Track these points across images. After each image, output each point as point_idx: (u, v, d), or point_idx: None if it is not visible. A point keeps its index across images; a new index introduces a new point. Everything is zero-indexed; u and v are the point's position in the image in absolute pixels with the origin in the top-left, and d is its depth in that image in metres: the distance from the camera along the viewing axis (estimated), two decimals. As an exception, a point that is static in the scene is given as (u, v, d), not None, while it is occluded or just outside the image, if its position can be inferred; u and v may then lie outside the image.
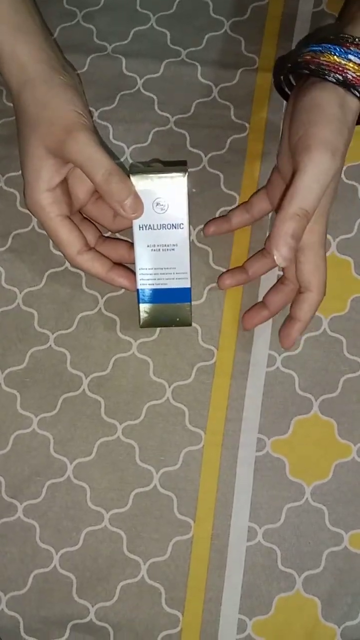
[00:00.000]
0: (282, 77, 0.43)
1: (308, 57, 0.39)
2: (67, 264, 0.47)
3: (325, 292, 0.41)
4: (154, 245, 0.41)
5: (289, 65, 0.41)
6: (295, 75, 0.43)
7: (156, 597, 0.42)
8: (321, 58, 0.38)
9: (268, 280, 0.46)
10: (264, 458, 0.44)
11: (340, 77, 0.38)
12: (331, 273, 0.46)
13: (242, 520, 0.43)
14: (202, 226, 0.47)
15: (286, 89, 0.44)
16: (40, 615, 0.42)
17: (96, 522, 0.43)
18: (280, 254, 0.37)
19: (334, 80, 0.38)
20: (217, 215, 0.47)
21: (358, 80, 0.38)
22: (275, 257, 0.37)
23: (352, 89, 0.38)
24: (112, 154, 0.48)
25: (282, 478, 0.43)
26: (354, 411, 0.44)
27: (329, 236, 0.46)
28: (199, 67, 0.50)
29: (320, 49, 0.39)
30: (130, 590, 0.42)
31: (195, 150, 0.48)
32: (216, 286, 0.46)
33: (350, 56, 0.38)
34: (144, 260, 0.41)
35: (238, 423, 0.44)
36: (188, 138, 0.48)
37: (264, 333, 0.45)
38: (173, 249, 0.41)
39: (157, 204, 0.40)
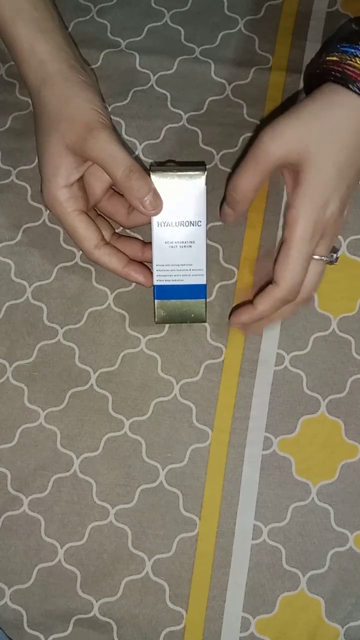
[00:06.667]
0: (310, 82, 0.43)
1: (335, 59, 0.39)
2: (77, 259, 0.47)
3: (292, 293, 0.40)
4: (172, 242, 0.41)
5: (317, 71, 0.41)
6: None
7: (160, 593, 0.42)
8: (347, 62, 0.38)
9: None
10: (271, 457, 0.44)
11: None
12: (341, 274, 0.46)
13: (248, 519, 0.43)
14: (213, 223, 0.47)
15: None
16: (44, 609, 0.42)
17: (101, 517, 0.43)
18: None
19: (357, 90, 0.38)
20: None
21: None
22: None
23: None
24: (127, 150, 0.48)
25: (288, 477, 0.43)
26: (362, 412, 0.44)
27: (339, 236, 0.46)
28: (213, 65, 0.50)
29: (351, 50, 0.39)
30: (134, 586, 0.42)
31: (207, 148, 0.48)
32: (226, 284, 0.46)
33: None
34: (161, 256, 0.42)
35: (245, 421, 0.44)
36: (200, 135, 0.48)
37: (272, 332, 0.45)
38: (190, 246, 0.41)
39: (176, 201, 0.41)
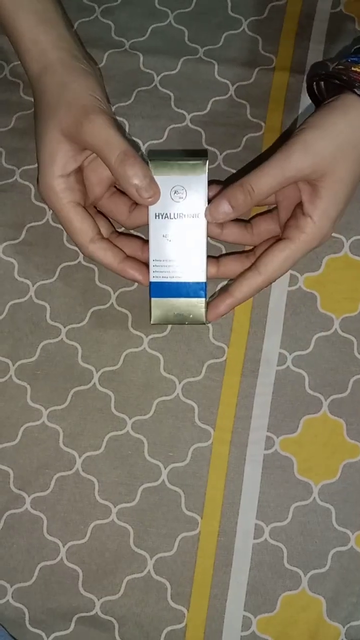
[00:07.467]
0: (314, 84, 0.43)
1: (341, 67, 0.39)
2: (81, 258, 0.47)
3: (270, 283, 0.41)
4: (170, 235, 0.40)
5: (322, 73, 0.41)
6: (326, 85, 0.42)
7: (162, 592, 0.42)
8: (352, 68, 0.38)
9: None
10: (272, 456, 0.44)
11: None
12: (343, 274, 0.46)
13: (249, 518, 0.43)
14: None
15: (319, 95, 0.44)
16: (45, 607, 0.42)
17: (104, 516, 0.43)
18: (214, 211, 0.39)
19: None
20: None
21: None
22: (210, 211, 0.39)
23: None
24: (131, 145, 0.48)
25: (290, 477, 0.44)
26: (364, 412, 0.44)
27: (341, 237, 0.46)
28: (216, 65, 0.50)
29: (356, 59, 0.39)
30: (136, 585, 0.42)
31: (210, 148, 0.48)
32: (227, 282, 0.46)
33: None
34: (158, 251, 0.40)
35: (247, 421, 0.44)
36: (204, 135, 0.49)
37: (275, 331, 0.45)
38: (190, 240, 0.40)
39: (176, 191, 0.39)
